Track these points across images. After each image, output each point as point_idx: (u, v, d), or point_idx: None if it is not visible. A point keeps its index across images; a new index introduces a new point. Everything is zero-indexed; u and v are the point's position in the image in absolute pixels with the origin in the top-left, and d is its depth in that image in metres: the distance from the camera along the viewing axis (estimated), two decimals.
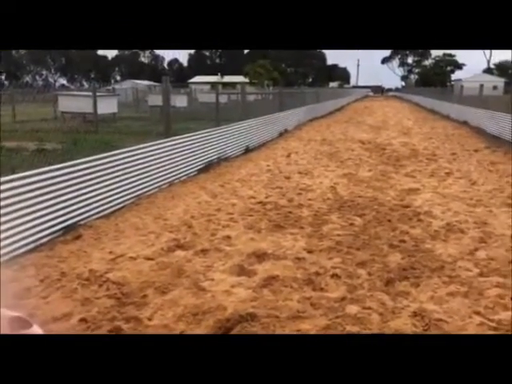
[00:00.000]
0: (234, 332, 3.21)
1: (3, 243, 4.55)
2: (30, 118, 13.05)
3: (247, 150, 12.07)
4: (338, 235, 5.35)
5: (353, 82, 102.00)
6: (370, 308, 3.59)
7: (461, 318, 3.43)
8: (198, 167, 9.26)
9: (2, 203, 4.58)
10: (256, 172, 9.38)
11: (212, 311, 3.57)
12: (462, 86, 29.03)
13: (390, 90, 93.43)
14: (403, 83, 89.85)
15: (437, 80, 64.02)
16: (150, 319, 3.48)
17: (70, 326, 3.32)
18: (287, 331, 3.24)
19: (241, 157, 11.30)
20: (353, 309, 3.57)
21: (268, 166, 10.10)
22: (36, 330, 2.20)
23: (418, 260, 4.52)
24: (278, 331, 3.23)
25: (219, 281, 4.13)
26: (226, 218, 6.12)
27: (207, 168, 9.47)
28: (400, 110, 33.94)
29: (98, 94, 16.75)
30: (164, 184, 7.86)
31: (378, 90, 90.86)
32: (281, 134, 15.86)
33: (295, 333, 3.23)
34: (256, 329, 3.22)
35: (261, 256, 4.66)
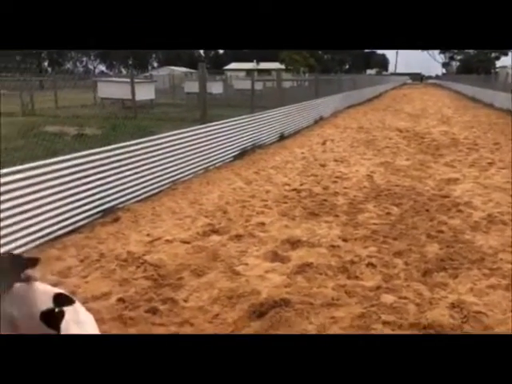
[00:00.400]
0: (268, 316, 3.23)
1: (47, 223, 4.73)
2: (71, 103, 13.41)
3: (282, 137, 12.01)
4: (374, 224, 5.27)
5: (391, 69, 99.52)
6: (406, 298, 3.53)
7: (502, 312, 3.33)
8: (233, 154, 9.29)
9: (45, 185, 4.75)
10: (291, 159, 9.33)
11: (246, 295, 3.60)
12: (507, 73, 27.80)
13: (429, 77, 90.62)
14: (444, 70, 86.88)
15: (480, 67, 61.58)
16: (185, 301, 3.54)
17: (108, 305, 3.42)
18: (321, 318, 3.24)
19: (275, 144, 11.26)
20: (388, 298, 3.53)
21: (303, 153, 10.03)
22: (78, 306, 2.27)
23: (457, 251, 4.41)
24: (312, 318, 3.23)
25: (253, 266, 4.16)
26: (261, 204, 6.13)
27: (242, 155, 9.50)
28: (440, 97, 32.90)
29: (135, 80, 17.02)
30: (199, 170, 7.95)
31: (417, 78, 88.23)
32: (316, 122, 15.69)
33: (328, 321, 3.22)
34: (290, 314, 3.23)
35: (295, 243, 4.65)
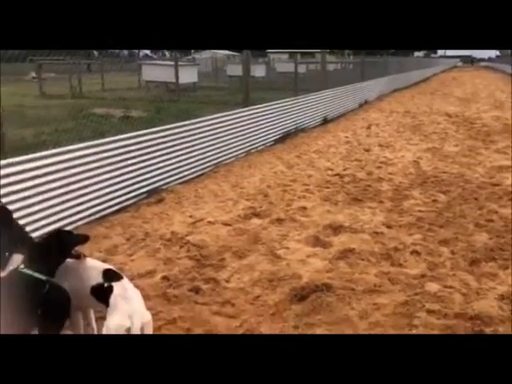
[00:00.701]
0: (309, 300, 3.22)
1: (95, 202, 4.89)
2: (117, 86, 13.69)
3: (325, 121, 11.84)
4: (420, 211, 5.13)
5: (440, 51, 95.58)
6: (451, 287, 3.44)
7: None
8: (275, 137, 9.25)
9: (93, 165, 4.90)
10: (334, 143, 9.19)
11: (287, 279, 3.61)
12: None
13: (481, 60, 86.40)
14: (498, 53, 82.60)
15: None
16: (227, 281, 3.59)
17: (153, 283, 3.52)
18: (363, 304, 3.20)
19: (318, 128, 11.12)
20: (433, 287, 3.44)
21: (347, 137, 9.86)
22: (126, 282, 2.34)
23: (508, 241, 4.23)
24: (354, 303, 3.20)
25: (294, 250, 4.15)
26: (302, 188, 6.09)
27: (284, 138, 9.44)
28: (492, 81, 31.34)
29: (179, 63, 17.15)
30: (241, 153, 7.97)
31: (468, 60, 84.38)
32: (361, 105, 15.35)
33: (370, 307, 3.18)
34: (331, 299, 3.22)
35: (337, 228, 4.60)
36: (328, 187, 6.14)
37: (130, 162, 5.46)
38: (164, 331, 2.88)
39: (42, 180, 4.31)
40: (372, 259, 3.92)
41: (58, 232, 2.56)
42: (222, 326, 2.99)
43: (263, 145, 8.74)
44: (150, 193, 5.70)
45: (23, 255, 2.36)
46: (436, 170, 6.95)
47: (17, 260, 2.37)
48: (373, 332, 2.88)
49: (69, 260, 2.46)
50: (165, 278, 3.60)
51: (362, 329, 2.92)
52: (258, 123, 8.53)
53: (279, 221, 4.88)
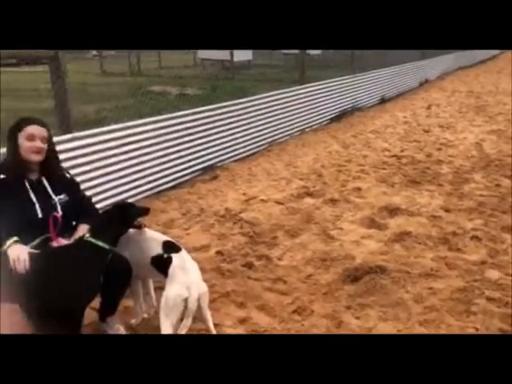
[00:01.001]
0: (363, 282, 3.19)
1: (153, 177, 5.04)
2: (174, 64, 13.92)
3: (383, 100, 11.48)
4: (481, 196, 4.90)
5: None
6: None
7: None
8: (330, 116, 9.09)
9: (151, 141, 5.03)
10: (391, 123, 8.91)
11: (340, 259, 3.58)
12: None
13: None
14: None
15: None
16: (279, 259, 3.62)
17: (208, 257, 3.61)
18: (418, 288, 3.13)
19: (376, 107, 10.80)
20: (494, 274, 3.30)
21: (405, 117, 9.52)
22: (184, 254, 2.41)
23: None
24: (409, 287, 3.13)
25: (348, 231, 4.11)
26: (357, 169, 5.98)
27: (339, 117, 9.26)
28: None
29: None
30: (295, 132, 7.91)
31: None
32: (421, 84, 14.73)
33: (426, 291, 3.11)
34: (386, 282, 3.17)
35: (393, 210, 4.49)
36: (384, 168, 5.99)
37: (186, 139, 5.57)
38: (218, 304, 2.96)
39: (103, 155, 4.47)
40: (429, 243, 3.81)
41: (122, 204, 2.67)
42: (274, 301, 3.03)
43: (318, 124, 8.63)
44: (205, 170, 5.81)
45: (89, 225, 2.49)
46: (500, 154, 6.59)
47: (83, 229, 2.50)
48: (427, 317, 2.81)
49: (131, 230, 2.57)
50: (219, 252, 3.68)
51: (417, 313, 2.86)
52: (313, 101, 8.41)
53: (333, 201, 4.84)
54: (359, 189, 5.19)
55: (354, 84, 9.97)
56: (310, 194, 5.05)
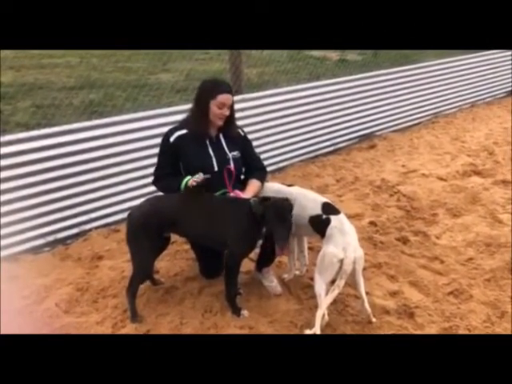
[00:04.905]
0: None
1: (309, 142, 5.08)
2: None
3: None
4: None
5: None
6: None
7: None
8: (508, 88, 8.05)
9: (307, 107, 5.01)
10: None
11: (508, 246, 3.23)
12: None
13: None
14: None
15: None
16: (437, 238, 3.41)
17: (360, 226, 3.55)
18: None
19: None
20: None
21: None
22: (343, 217, 2.41)
23: None
24: None
25: None
26: None
27: None
28: None
29: None
30: (465, 104, 7.22)
31: None
32: None
33: None
34: None
35: None
36: None
37: (343, 105, 5.47)
38: (369, 274, 2.92)
39: (262, 118, 4.58)
40: None
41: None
42: (429, 280, 2.89)
43: (493, 96, 7.72)
44: (362, 138, 5.67)
45: (259, 181, 2.74)
46: None
47: (254, 185, 2.71)
48: None
49: (292, 189, 2.66)
50: (372, 223, 3.60)
51: None
52: (487, 71, 7.53)
53: (505, 183, 4.35)
54: None
55: None
56: (478, 173, 4.61)
